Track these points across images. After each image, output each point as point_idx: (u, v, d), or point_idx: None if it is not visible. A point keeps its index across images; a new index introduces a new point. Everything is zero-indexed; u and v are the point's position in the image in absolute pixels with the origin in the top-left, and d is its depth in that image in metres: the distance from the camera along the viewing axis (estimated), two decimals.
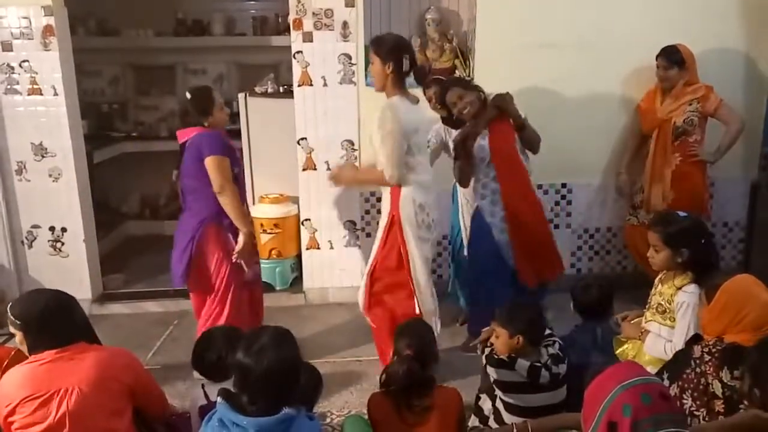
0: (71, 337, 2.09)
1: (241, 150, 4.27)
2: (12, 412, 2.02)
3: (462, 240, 3.67)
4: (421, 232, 3.07)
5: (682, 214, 2.62)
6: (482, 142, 3.20)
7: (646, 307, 2.68)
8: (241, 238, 3.09)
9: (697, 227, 2.56)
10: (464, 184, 3.35)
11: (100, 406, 2.05)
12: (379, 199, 3.69)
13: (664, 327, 2.54)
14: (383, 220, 3.13)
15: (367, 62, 3.88)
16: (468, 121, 3.21)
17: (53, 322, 2.07)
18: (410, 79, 3.09)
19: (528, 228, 3.26)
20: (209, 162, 2.99)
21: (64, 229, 3.99)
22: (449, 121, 3.43)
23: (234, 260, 3.12)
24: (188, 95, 3.11)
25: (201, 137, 3.04)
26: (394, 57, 2.94)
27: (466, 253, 3.58)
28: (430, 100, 3.43)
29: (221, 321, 3.12)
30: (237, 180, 3.13)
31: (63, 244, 4.01)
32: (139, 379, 2.20)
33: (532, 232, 3.27)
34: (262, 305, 3.48)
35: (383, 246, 3.11)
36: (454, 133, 3.37)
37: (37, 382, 2.02)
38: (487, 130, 3.19)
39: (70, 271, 3.95)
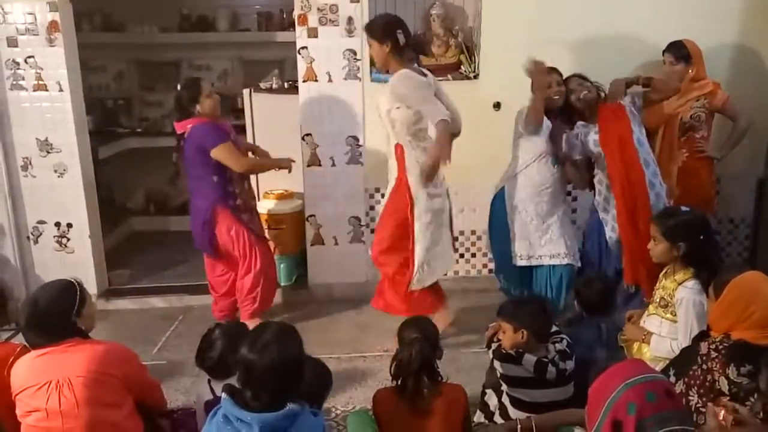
0: (65, 333, 2.16)
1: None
2: (18, 401, 2.13)
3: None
4: (429, 188, 3.23)
5: (684, 208, 2.61)
6: (593, 137, 3.23)
7: (650, 301, 2.68)
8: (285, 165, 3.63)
9: (696, 222, 2.55)
10: (582, 187, 3.48)
11: (93, 398, 2.11)
12: (383, 195, 3.68)
13: (665, 321, 2.54)
14: (391, 182, 3.31)
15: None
16: (584, 109, 3.28)
17: (39, 320, 2.15)
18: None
19: (639, 224, 3.11)
20: (216, 154, 3.33)
21: (69, 225, 4.00)
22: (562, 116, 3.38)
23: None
24: (178, 86, 3.46)
25: (196, 130, 3.35)
26: (390, 35, 3.12)
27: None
28: (549, 86, 3.31)
29: (256, 272, 3.55)
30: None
31: (68, 239, 4.02)
32: (131, 373, 2.25)
33: (643, 229, 3.04)
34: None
35: (389, 209, 3.31)
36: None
37: (34, 373, 2.12)
38: (597, 124, 3.22)
39: (76, 266, 3.95)
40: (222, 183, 3.42)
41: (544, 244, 3.39)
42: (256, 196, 4.41)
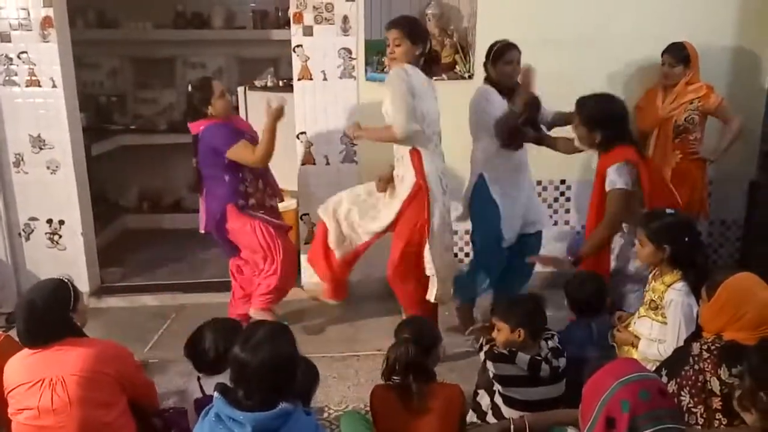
0: (64, 331, 2.16)
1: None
2: (10, 398, 2.13)
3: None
4: (445, 199, 3.19)
5: (669, 210, 2.62)
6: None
7: (641, 303, 2.69)
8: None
9: (680, 225, 2.56)
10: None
11: (86, 397, 2.10)
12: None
13: (655, 323, 2.55)
14: (404, 190, 3.14)
15: (369, 55, 3.87)
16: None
17: (39, 321, 2.14)
18: None
19: None
20: (232, 154, 3.28)
21: (61, 222, 3.98)
22: None
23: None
24: (189, 88, 3.39)
25: (209, 132, 3.32)
26: (423, 41, 3.11)
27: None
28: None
29: (279, 270, 3.48)
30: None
31: (61, 236, 3.99)
32: (126, 371, 2.24)
33: None
34: None
35: (404, 216, 3.15)
36: None
37: (27, 371, 2.11)
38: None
39: (68, 264, 3.93)
40: (233, 182, 3.37)
41: None
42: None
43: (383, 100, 3.12)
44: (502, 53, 3.31)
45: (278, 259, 3.47)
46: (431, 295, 3.23)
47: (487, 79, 3.39)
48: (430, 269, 3.18)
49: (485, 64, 3.40)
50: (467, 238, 3.98)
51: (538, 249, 3.60)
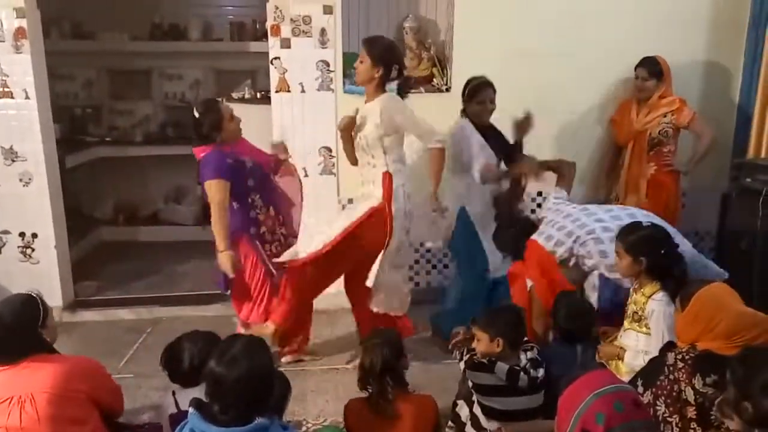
0: (32, 347, 2.12)
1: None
2: None
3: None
4: (405, 223, 3.15)
5: (645, 223, 2.66)
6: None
7: (625, 316, 2.71)
8: (220, 258, 3.11)
9: (656, 236, 2.60)
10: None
11: (56, 414, 2.05)
12: None
13: (641, 334, 2.58)
14: (366, 205, 3.08)
15: (347, 67, 3.89)
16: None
17: (7, 337, 2.10)
18: None
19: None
20: (206, 186, 3.06)
21: (34, 235, 3.91)
22: None
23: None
24: (196, 114, 3.12)
25: (205, 159, 3.10)
26: (385, 63, 3.00)
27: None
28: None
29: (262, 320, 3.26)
30: (254, 190, 3.21)
31: (33, 250, 3.92)
32: (98, 385, 2.21)
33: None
34: None
35: (360, 228, 3.06)
36: None
37: None
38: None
39: (41, 277, 3.86)
40: (243, 209, 3.18)
41: None
42: None
43: (364, 123, 3.06)
44: (475, 93, 3.38)
45: (258, 310, 3.28)
46: (373, 305, 3.19)
47: (464, 112, 3.46)
48: (371, 281, 3.12)
49: (462, 100, 3.45)
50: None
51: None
